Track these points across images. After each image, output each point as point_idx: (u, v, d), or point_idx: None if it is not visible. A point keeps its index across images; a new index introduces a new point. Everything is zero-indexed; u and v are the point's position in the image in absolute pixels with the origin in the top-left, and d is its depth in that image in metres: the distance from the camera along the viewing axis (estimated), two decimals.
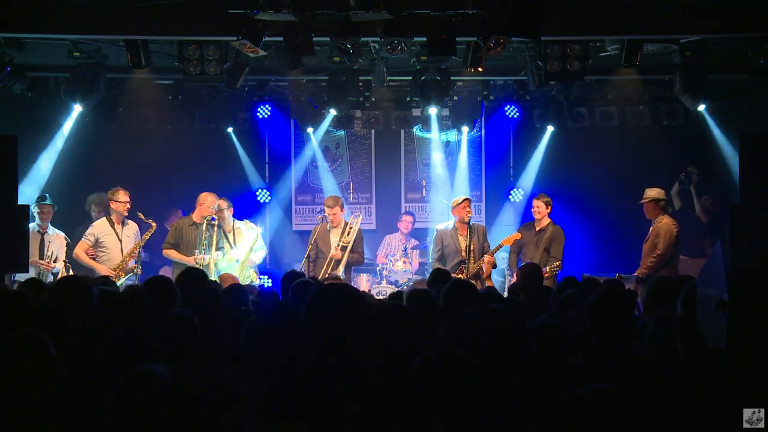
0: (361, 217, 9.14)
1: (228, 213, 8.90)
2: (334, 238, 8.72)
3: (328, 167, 11.18)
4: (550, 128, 10.64)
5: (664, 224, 8.12)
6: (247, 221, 9.23)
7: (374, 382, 2.89)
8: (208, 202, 8.68)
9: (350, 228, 8.73)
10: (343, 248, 8.60)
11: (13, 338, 2.94)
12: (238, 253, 8.71)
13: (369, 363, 3.03)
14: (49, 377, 2.86)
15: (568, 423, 2.27)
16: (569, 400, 2.30)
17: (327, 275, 8.29)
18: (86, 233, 8.61)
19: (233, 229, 8.88)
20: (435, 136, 10.97)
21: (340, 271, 8.48)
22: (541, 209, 8.82)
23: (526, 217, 10.12)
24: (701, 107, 9.64)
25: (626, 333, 3.41)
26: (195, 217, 8.74)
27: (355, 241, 8.69)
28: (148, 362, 2.84)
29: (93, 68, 8.97)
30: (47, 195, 8.65)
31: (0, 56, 8.53)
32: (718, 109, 10.05)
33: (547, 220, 8.84)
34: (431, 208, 11.18)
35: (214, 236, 8.60)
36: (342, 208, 8.93)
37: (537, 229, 8.83)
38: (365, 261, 10.04)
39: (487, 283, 8.35)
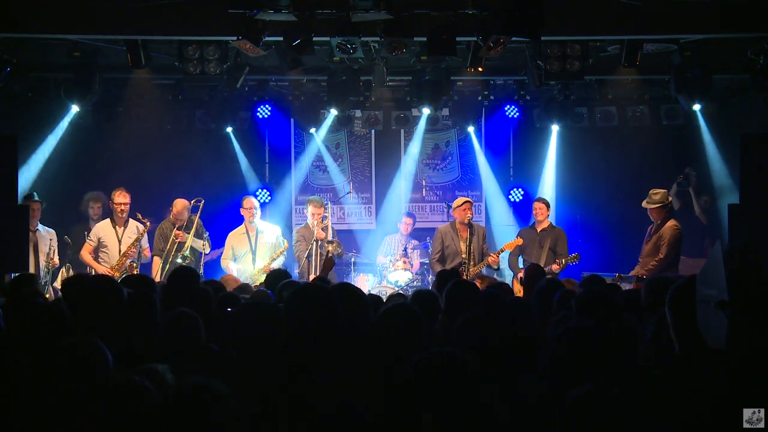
0: (330, 204, 9.32)
1: (252, 213, 8.93)
2: (315, 230, 8.84)
3: (333, 165, 11.20)
4: (555, 128, 10.61)
5: (668, 228, 8.07)
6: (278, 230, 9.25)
7: (373, 382, 2.88)
8: (174, 209, 8.86)
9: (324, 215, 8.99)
10: (324, 229, 8.80)
11: (73, 347, 2.87)
12: (258, 259, 8.72)
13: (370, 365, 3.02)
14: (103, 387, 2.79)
15: (567, 423, 2.27)
16: (569, 400, 2.30)
17: (320, 256, 8.48)
18: (89, 235, 8.72)
19: (257, 232, 8.87)
20: (419, 135, 11.01)
21: (329, 236, 8.78)
22: (543, 211, 8.96)
23: (526, 217, 10.13)
24: (696, 107, 9.67)
25: (616, 332, 3.39)
26: (173, 217, 8.92)
27: (332, 231, 8.95)
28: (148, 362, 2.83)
29: (92, 68, 8.97)
30: (35, 193, 8.66)
31: (0, 56, 8.52)
32: (718, 109, 10.06)
33: (547, 222, 8.96)
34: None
35: (195, 221, 8.78)
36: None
37: (539, 230, 8.93)
38: (366, 261, 10.06)
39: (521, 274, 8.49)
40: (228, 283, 6.89)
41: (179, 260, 8.43)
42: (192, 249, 8.67)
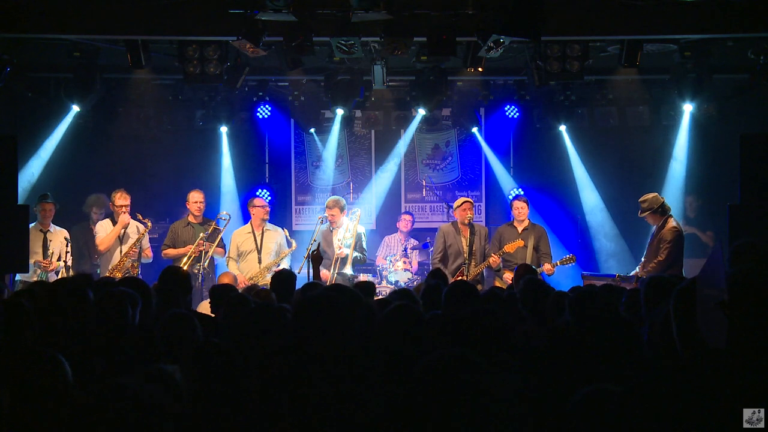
0: (359, 211, 9.02)
1: (267, 211, 8.89)
2: (336, 238, 8.70)
3: (333, 166, 11.18)
4: (563, 127, 10.59)
5: (668, 230, 7.90)
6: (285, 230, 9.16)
7: (374, 386, 2.88)
8: (191, 199, 8.86)
9: (350, 224, 8.69)
10: (347, 245, 8.56)
11: (30, 358, 2.82)
12: (264, 258, 8.67)
13: (369, 366, 3.02)
14: (64, 400, 2.75)
15: (570, 423, 2.27)
16: (572, 400, 2.30)
17: (336, 274, 8.34)
18: (96, 232, 8.69)
19: (263, 231, 8.83)
20: (409, 135, 11.01)
21: (348, 269, 8.45)
22: (525, 210, 8.85)
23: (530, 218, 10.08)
24: (688, 107, 9.69)
25: (614, 332, 3.39)
26: (189, 216, 8.89)
27: (358, 239, 8.66)
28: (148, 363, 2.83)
29: (93, 68, 8.97)
30: (49, 193, 8.66)
31: (0, 56, 8.53)
32: (718, 109, 10.06)
33: (527, 220, 8.87)
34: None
35: (219, 235, 8.71)
36: (342, 210, 8.84)
37: (520, 228, 8.82)
38: (365, 261, 10.02)
39: (505, 276, 8.38)
40: (222, 280, 6.90)
41: (196, 270, 8.39)
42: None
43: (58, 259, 8.24)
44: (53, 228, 8.48)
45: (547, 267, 8.39)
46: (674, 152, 10.41)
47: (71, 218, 9.51)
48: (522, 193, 10.84)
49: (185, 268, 8.23)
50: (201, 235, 8.57)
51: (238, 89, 9.37)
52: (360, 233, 8.77)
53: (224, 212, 9.03)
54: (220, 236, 8.73)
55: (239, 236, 8.83)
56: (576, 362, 3.17)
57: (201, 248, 8.49)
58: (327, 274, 8.34)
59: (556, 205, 10.60)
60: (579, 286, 5.61)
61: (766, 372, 2.39)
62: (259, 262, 8.64)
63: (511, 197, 10.96)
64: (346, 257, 8.50)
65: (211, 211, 9.48)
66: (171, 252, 8.76)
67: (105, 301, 3.91)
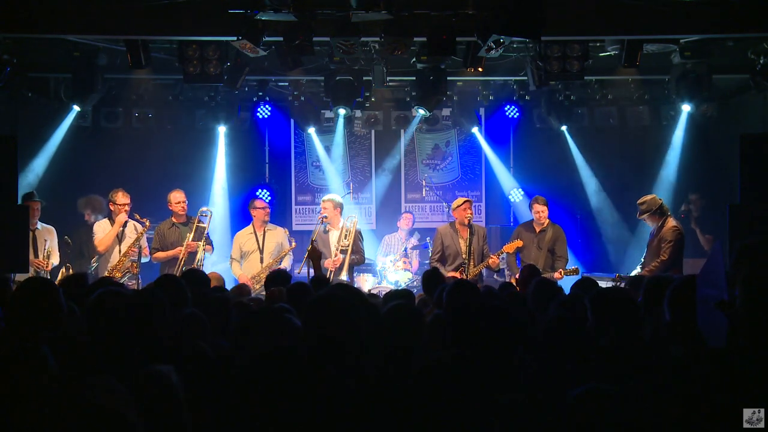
0: (356, 218, 8.77)
1: (267, 212, 8.84)
2: (333, 239, 8.63)
3: (333, 166, 11.17)
4: (564, 127, 10.57)
5: (668, 230, 7.85)
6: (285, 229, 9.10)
7: (376, 385, 2.88)
8: (172, 200, 8.70)
9: (347, 231, 8.47)
10: (343, 252, 8.39)
11: (10, 354, 2.82)
12: (266, 258, 8.61)
13: (371, 366, 3.02)
14: (46, 391, 2.73)
15: (569, 422, 2.27)
16: (570, 399, 2.30)
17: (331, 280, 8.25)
18: (94, 232, 8.69)
19: (264, 231, 8.76)
20: (409, 135, 11.05)
21: (344, 275, 8.31)
22: (545, 213, 8.71)
23: (527, 217, 10.11)
24: (686, 107, 9.69)
25: (629, 332, 3.40)
26: (173, 217, 8.75)
27: (354, 241, 8.55)
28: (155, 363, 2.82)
29: (92, 68, 8.96)
30: (35, 192, 8.63)
31: (0, 56, 8.52)
32: (718, 109, 10.06)
33: (546, 221, 8.76)
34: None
35: (204, 231, 8.61)
36: (337, 207, 8.57)
37: (537, 230, 8.74)
38: (366, 261, 10.00)
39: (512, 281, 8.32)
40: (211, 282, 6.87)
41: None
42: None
43: (49, 257, 8.23)
44: (40, 225, 8.41)
45: (556, 275, 8.22)
46: (674, 152, 10.42)
47: (70, 218, 9.50)
48: (522, 193, 10.86)
49: (180, 269, 8.22)
50: (188, 235, 8.52)
51: (238, 89, 9.36)
52: (358, 231, 8.58)
53: (204, 208, 8.95)
54: (205, 232, 8.66)
55: (242, 237, 8.80)
56: (581, 361, 3.17)
57: (190, 249, 8.46)
58: (329, 263, 8.29)
59: (556, 205, 10.57)
60: (581, 280, 5.61)
61: (766, 372, 2.39)
62: (261, 261, 8.62)
63: (512, 198, 10.98)
64: (343, 262, 8.40)
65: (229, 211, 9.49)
66: (161, 255, 8.61)
67: (105, 301, 3.90)
